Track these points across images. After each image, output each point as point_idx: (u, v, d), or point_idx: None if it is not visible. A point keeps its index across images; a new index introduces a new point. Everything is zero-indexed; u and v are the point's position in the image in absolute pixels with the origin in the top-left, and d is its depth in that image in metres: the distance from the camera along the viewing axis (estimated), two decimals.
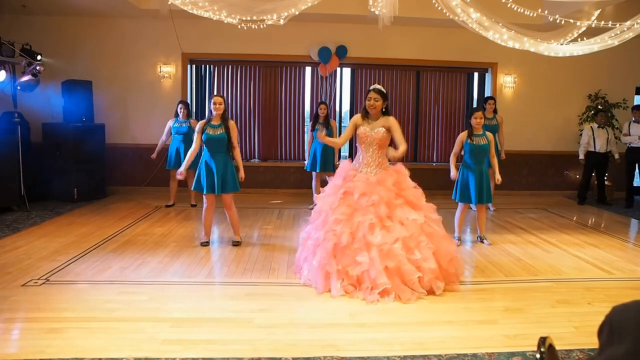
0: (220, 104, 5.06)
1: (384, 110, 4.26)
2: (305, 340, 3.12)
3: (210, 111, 5.08)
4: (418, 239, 3.89)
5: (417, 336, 3.20)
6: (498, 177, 5.31)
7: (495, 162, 5.43)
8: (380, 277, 3.72)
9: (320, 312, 3.56)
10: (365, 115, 4.27)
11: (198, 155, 5.18)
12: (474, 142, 5.31)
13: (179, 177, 5.11)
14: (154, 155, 7.18)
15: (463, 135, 5.39)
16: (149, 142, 7.94)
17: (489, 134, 5.41)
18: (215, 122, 5.06)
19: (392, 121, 4.20)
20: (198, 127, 5.09)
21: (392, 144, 4.29)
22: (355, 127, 4.31)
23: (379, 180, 4.08)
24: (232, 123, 5.13)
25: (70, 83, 7.58)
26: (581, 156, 8.11)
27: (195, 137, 5.10)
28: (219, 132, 5.02)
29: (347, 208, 4.01)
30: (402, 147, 4.13)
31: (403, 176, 4.18)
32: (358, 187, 4.04)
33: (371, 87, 4.26)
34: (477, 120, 5.30)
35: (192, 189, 5.32)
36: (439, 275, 3.88)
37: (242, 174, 5.15)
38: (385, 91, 4.26)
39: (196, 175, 5.13)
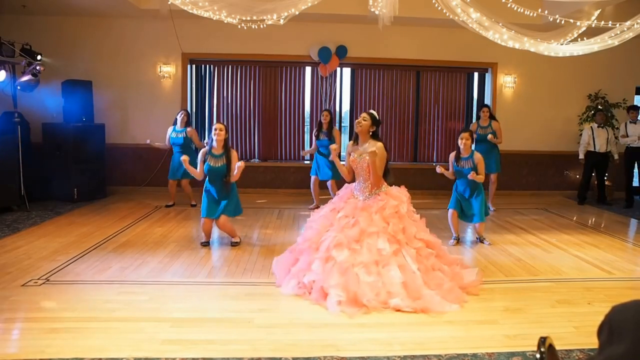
0: (221, 130, 5.02)
1: (372, 134, 4.25)
2: (305, 340, 3.13)
3: (212, 139, 5.05)
4: (384, 266, 3.83)
5: (417, 336, 3.20)
6: (479, 176, 5.19)
7: (479, 180, 5.22)
8: (333, 288, 3.67)
9: (320, 312, 3.56)
10: (355, 139, 4.34)
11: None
12: (459, 166, 5.31)
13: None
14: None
15: (452, 155, 5.42)
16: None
17: (477, 156, 5.25)
18: (216, 152, 5.03)
19: (378, 146, 4.15)
20: (200, 156, 5.10)
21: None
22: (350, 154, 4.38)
23: (364, 206, 4.13)
24: (234, 154, 5.09)
25: (70, 83, 7.58)
26: (581, 156, 8.11)
27: (199, 165, 5.09)
28: (220, 164, 5.00)
29: (325, 220, 4.19)
30: (373, 176, 4.14)
31: (395, 200, 4.14)
32: (344, 208, 4.18)
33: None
34: (462, 141, 5.25)
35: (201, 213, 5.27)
36: (417, 308, 3.62)
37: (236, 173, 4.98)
38: (377, 117, 4.27)
39: (202, 200, 5.19)
